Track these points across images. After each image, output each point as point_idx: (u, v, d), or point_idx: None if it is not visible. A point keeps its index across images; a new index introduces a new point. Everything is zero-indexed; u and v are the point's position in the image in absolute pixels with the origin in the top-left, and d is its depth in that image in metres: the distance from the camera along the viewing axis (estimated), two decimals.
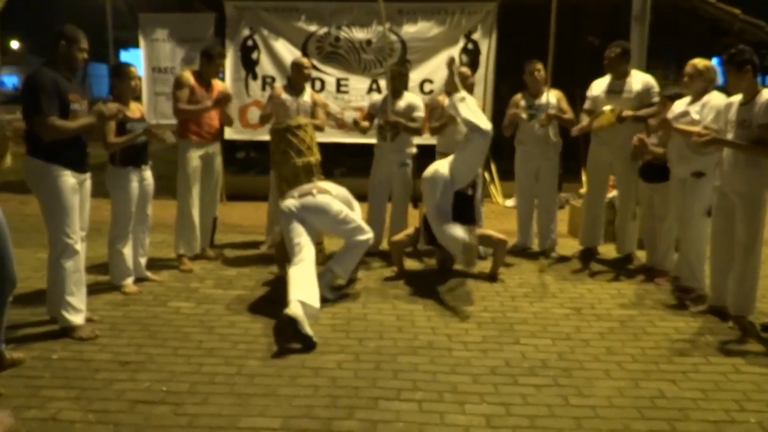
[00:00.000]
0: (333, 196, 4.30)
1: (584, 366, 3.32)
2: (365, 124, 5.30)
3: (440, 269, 4.96)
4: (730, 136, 3.73)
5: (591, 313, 4.09)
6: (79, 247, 3.59)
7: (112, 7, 8.06)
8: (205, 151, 4.86)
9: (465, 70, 5.44)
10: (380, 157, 5.34)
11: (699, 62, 4.17)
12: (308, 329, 3.49)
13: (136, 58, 7.71)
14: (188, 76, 4.77)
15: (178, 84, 4.75)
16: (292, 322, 3.47)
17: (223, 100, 4.81)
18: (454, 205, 4.55)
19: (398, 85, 5.24)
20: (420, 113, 5.25)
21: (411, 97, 5.31)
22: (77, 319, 3.55)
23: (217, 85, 4.96)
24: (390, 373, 3.21)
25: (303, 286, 3.69)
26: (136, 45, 7.91)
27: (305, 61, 5.45)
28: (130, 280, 4.32)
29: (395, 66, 5.46)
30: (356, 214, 4.38)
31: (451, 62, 4.88)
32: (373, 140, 5.50)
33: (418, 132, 5.28)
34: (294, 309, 3.52)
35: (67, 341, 3.49)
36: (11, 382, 3.03)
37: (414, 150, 5.38)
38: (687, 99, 4.26)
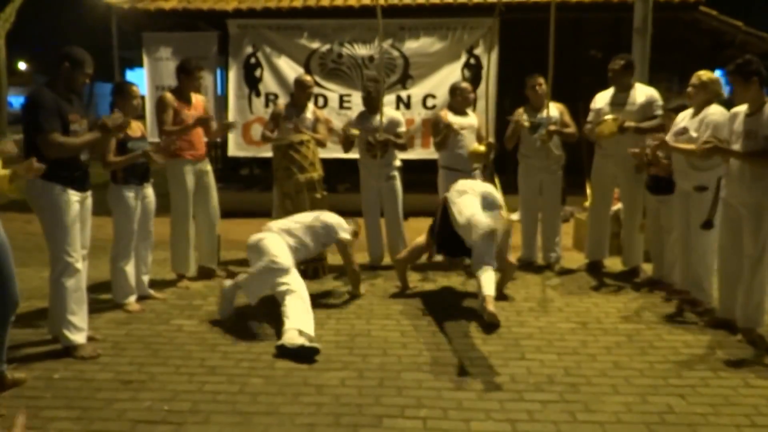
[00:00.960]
0: (278, 231, 4.28)
1: (591, 381, 3.27)
2: (355, 132, 5.23)
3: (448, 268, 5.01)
4: (736, 147, 3.70)
5: (597, 327, 4.05)
6: (80, 265, 3.58)
7: (117, 28, 8.14)
8: (198, 169, 4.85)
9: (466, 86, 5.45)
10: (366, 174, 5.33)
11: (704, 74, 4.15)
12: (305, 341, 3.57)
13: (141, 78, 7.77)
14: (169, 97, 4.71)
15: (161, 106, 4.69)
16: (285, 349, 3.54)
17: (204, 118, 4.74)
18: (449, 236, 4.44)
19: (375, 103, 5.22)
20: (403, 128, 5.33)
21: (390, 113, 5.34)
22: (79, 338, 3.54)
23: (198, 100, 4.93)
24: (394, 390, 3.17)
25: (298, 315, 3.74)
26: (141, 65, 7.98)
27: (309, 79, 5.46)
28: (132, 298, 4.31)
29: (371, 84, 5.42)
30: (330, 218, 4.42)
31: None
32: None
33: (405, 147, 5.36)
34: (287, 337, 3.59)
35: (68, 360, 3.47)
36: (13, 402, 3.01)
37: (399, 162, 5.38)
38: (690, 111, 4.24)
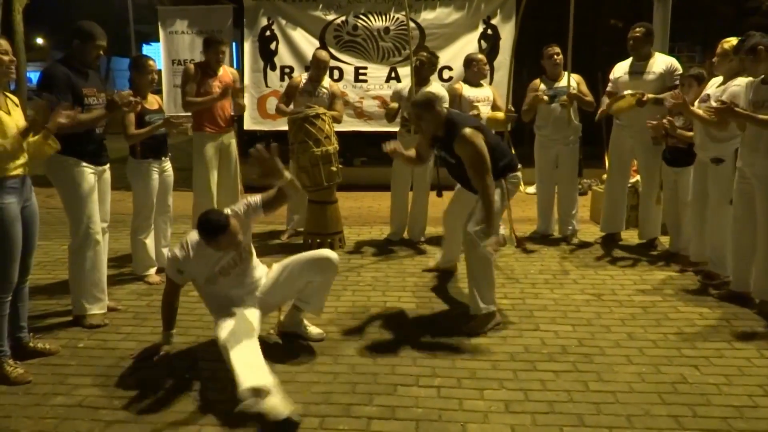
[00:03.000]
0: None
1: (605, 352, 3.30)
2: (394, 105, 5.16)
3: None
4: None
5: (612, 299, 4.05)
6: (100, 237, 3.65)
7: (133, 2, 8.15)
8: (220, 141, 4.90)
9: (481, 57, 5.35)
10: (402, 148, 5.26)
11: (726, 42, 4.08)
12: (280, 410, 2.58)
13: (157, 52, 7.79)
14: (191, 69, 4.81)
15: (183, 78, 4.83)
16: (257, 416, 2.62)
17: (228, 90, 4.76)
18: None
19: (427, 73, 5.09)
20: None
21: (436, 87, 5.05)
22: (94, 308, 3.63)
23: (226, 72, 4.96)
24: (409, 359, 3.22)
25: (244, 368, 2.73)
26: (157, 39, 7.99)
27: (324, 57, 5.37)
28: (152, 270, 4.40)
29: (424, 53, 5.24)
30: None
31: None
32: (393, 129, 5.45)
33: None
34: (247, 403, 2.58)
35: (92, 330, 3.57)
36: (40, 369, 3.11)
37: None
38: (718, 79, 4.17)
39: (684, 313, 3.80)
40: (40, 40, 30.67)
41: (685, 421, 2.66)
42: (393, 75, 7.35)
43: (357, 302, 4.03)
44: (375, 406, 2.79)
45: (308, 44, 7.17)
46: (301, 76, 5.45)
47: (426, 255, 5.02)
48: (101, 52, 3.60)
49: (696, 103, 4.21)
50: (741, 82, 3.92)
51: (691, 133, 4.34)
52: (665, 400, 2.82)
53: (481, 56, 5.38)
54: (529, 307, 3.92)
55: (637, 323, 3.66)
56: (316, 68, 5.29)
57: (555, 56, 5.17)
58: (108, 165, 3.79)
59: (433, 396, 2.87)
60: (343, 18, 7.32)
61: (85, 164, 3.56)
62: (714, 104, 3.83)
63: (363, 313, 3.85)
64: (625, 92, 4.75)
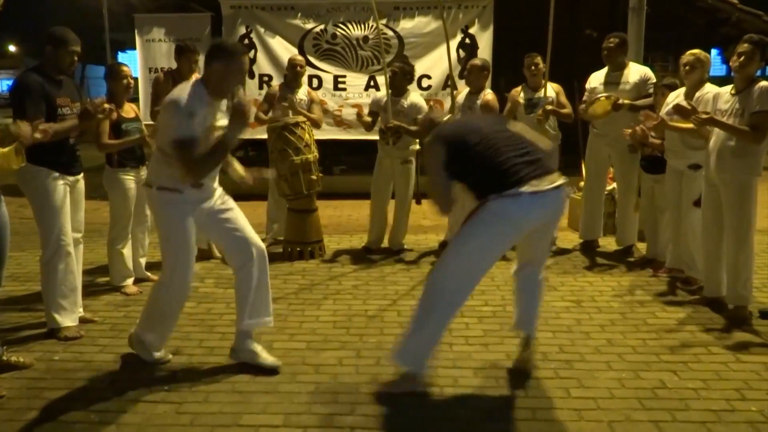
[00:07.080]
0: None
1: (585, 358, 3.32)
2: (368, 118, 5.20)
3: None
4: None
5: (592, 305, 4.09)
6: (72, 249, 3.57)
7: (108, 9, 8.04)
8: None
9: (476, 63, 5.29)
10: (383, 155, 5.23)
11: (699, 52, 4.19)
12: (265, 359, 3.20)
13: (133, 60, 7.71)
14: (161, 78, 4.74)
15: (155, 87, 4.75)
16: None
17: None
18: None
19: (401, 83, 5.09)
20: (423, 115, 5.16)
21: (415, 97, 5.11)
22: (66, 320, 3.55)
23: None
24: (391, 368, 3.20)
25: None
26: (133, 47, 7.91)
27: (299, 59, 5.40)
28: (130, 281, 4.33)
29: (398, 63, 5.28)
30: None
31: None
32: (373, 137, 5.45)
33: (420, 135, 5.18)
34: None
35: (68, 343, 3.49)
36: (13, 383, 3.03)
37: (417, 146, 5.32)
38: (681, 90, 4.26)
39: (661, 319, 3.85)
40: (12, 47, 30.22)
41: (665, 426, 2.69)
42: (372, 83, 7.36)
43: (338, 311, 4.00)
44: (357, 415, 2.77)
45: (287, 52, 7.14)
46: (280, 85, 5.44)
47: (407, 263, 5.01)
48: (75, 58, 3.53)
49: (663, 114, 4.29)
50: (711, 89, 4.02)
51: (660, 141, 4.42)
52: (645, 405, 2.85)
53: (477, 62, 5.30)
54: (510, 314, 3.90)
55: (616, 329, 3.70)
56: (291, 70, 5.28)
57: (533, 67, 5.22)
58: (82, 174, 3.72)
59: (416, 405, 2.86)
60: (322, 27, 7.33)
61: (57, 174, 3.48)
62: (702, 114, 3.88)
63: (344, 321, 3.83)
64: (600, 95, 4.82)
